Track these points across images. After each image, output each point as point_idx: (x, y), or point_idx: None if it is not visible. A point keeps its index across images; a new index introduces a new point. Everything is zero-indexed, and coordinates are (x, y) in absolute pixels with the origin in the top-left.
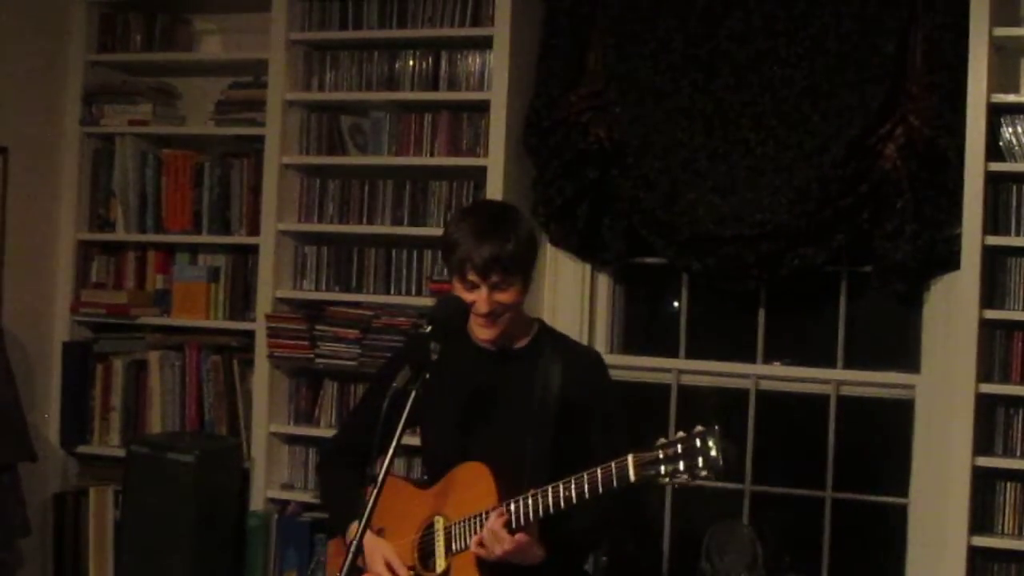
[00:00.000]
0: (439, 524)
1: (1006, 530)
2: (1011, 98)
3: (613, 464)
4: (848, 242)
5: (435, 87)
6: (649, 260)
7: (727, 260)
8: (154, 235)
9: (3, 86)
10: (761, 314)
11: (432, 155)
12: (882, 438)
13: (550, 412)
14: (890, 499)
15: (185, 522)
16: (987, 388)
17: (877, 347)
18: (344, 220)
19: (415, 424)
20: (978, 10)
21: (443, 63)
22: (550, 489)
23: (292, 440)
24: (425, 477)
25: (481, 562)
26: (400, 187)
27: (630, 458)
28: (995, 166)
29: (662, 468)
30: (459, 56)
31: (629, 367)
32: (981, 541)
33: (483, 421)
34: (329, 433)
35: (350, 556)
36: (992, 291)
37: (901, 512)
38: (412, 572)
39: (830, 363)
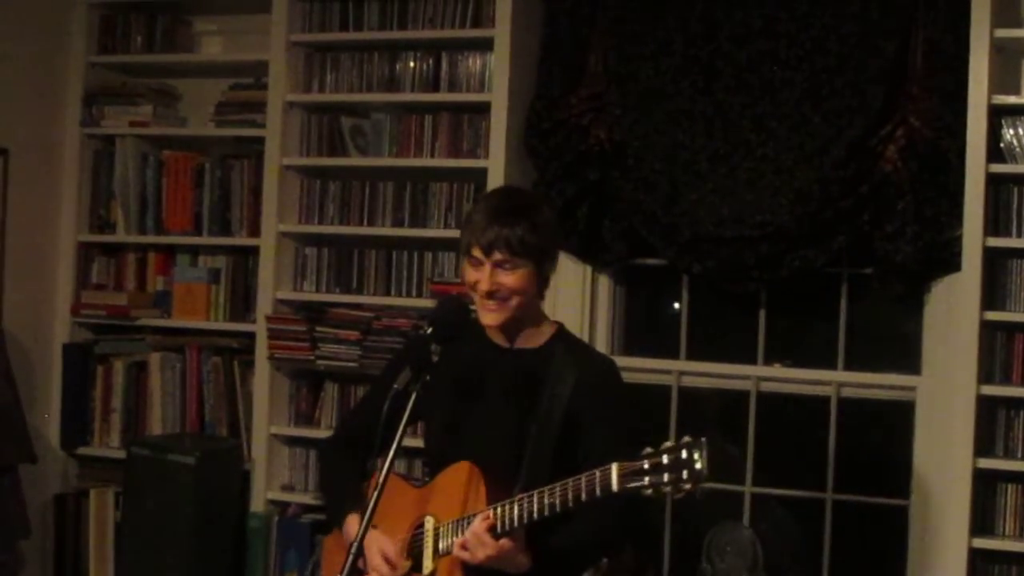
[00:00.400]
0: (429, 524)
1: (1007, 532)
2: (1012, 99)
3: (597, 472)
4: (849, 243)
5: (436, 88)
6: (650, 261)
7: (728, 261)
8: (154, 236)
9: (4, 87)
10: (762, 315)
11: (433, 156)
12: (883, 440)
13: (555, 419)
14: (891, 501)
15: (185, 524)
16: (988, 390)
17: (878, 349)
18: (345, 221)
19: (418, 420)
20: (979, 11)
21: (444, 64)
22: (535, 495)
23: (292, 442)
24: (426, 475)
25: (465, 566)
26: (401, 188)
27: (614, 467)
28: (996, 167)
29: (646, 479)
30: (460, 57)
31: (630, 368)
32: (982, 543)
33: (483, 420)
34: (329, 435)
35: (350, 559)
36: (993, 292)
37: (902, 514)
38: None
39: (831, 365)
